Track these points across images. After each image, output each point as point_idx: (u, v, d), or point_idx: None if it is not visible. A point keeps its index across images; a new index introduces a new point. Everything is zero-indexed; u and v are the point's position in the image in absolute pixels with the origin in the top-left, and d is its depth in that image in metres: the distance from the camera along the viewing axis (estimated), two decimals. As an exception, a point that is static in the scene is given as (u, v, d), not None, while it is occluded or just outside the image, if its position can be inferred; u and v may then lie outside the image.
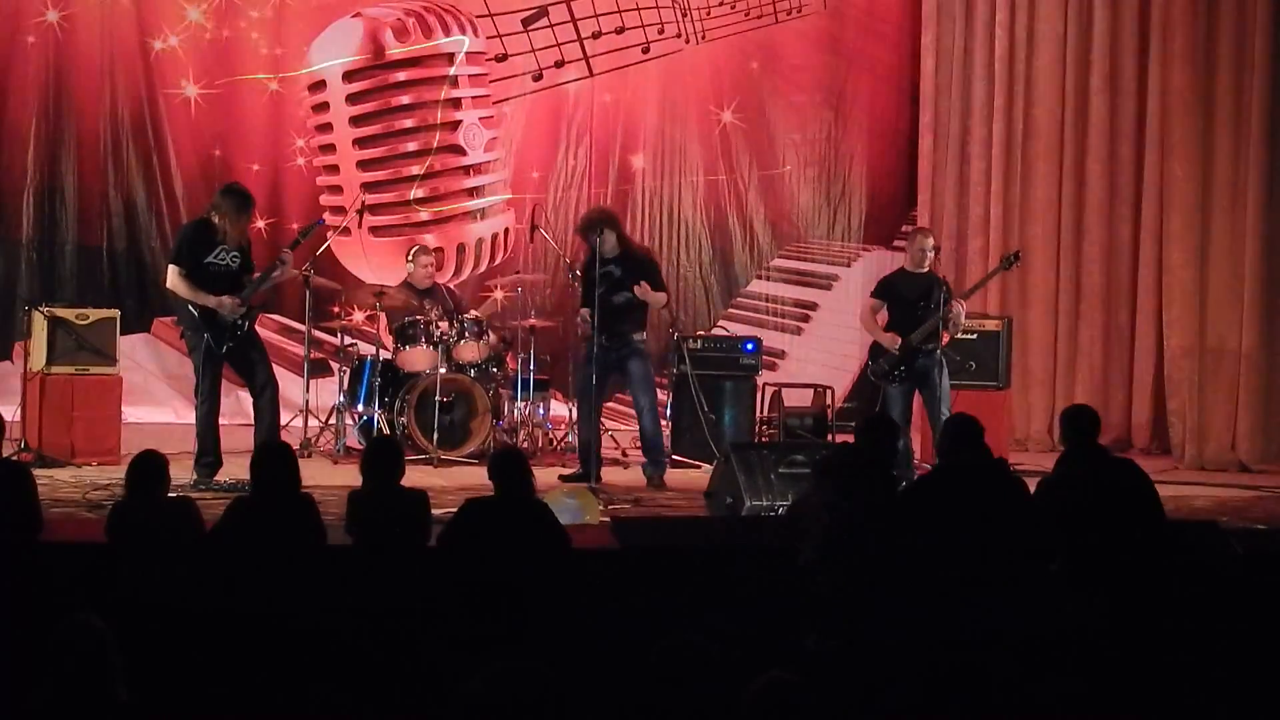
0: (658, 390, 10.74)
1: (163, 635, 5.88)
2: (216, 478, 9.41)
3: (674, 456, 11.12)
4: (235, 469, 9.34)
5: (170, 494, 6.94)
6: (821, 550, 6.36)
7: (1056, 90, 12.70)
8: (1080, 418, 7.52)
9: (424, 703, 5.66)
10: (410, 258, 11.53)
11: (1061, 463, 7.43)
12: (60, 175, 12.59)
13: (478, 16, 13.17)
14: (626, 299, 10.22)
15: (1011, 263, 10.70)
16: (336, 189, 13.02)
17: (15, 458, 9.36)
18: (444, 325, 10.93)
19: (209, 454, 9.48)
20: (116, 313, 10.91)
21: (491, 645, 5.92)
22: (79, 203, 12.64)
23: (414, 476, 7.67)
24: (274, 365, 12.84)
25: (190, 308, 9.45)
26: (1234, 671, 6.19)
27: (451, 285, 12.34)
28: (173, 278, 9.52)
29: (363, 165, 13.05)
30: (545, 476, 9.65)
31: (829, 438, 11.24)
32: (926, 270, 10.23)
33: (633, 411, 10.61)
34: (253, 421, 9.74)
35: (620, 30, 13.28)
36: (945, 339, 10.26)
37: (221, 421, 9.71)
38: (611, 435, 11.47)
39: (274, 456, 6.83)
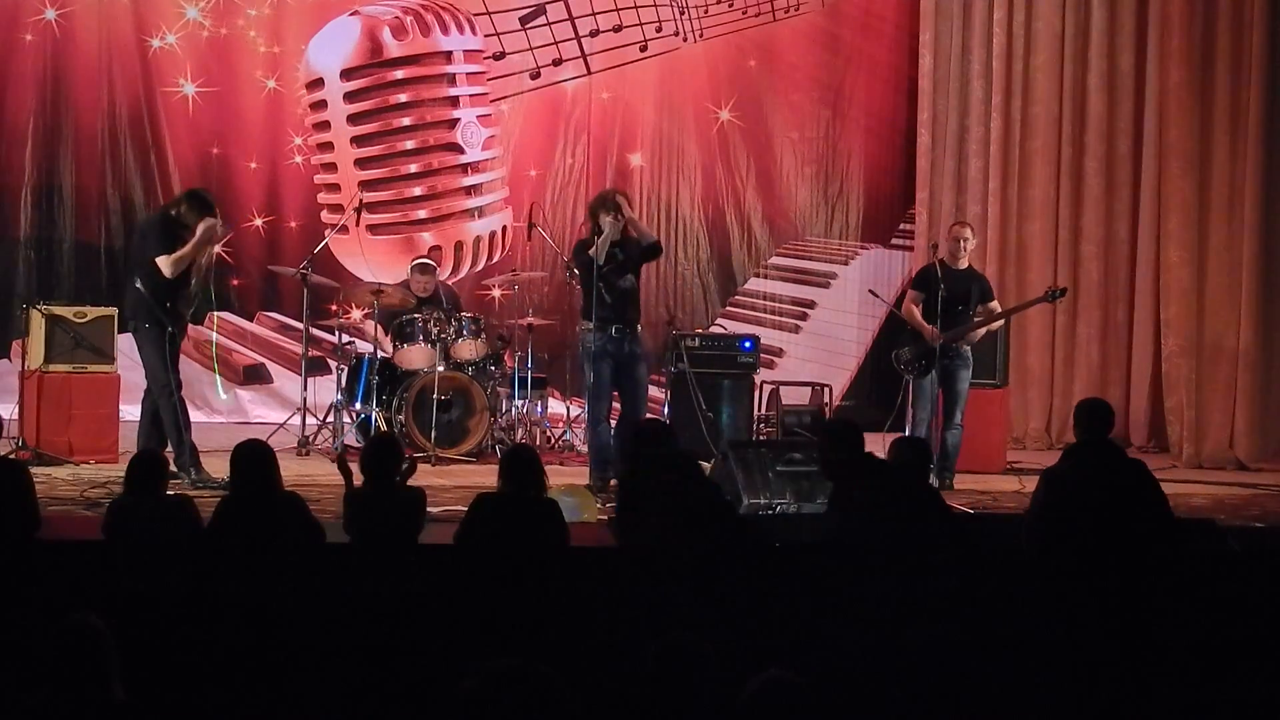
0: (653, 388, 10.71)
1: (160, 634, 5.88)
2: (212, 475, 9.41)
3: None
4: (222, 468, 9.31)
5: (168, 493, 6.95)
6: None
7: (1054, 88, 12.70)
8: (1096, 411, 7.45)
9: (423, 702, 5.66)
10: (409, 270, 11.55)
11: (1069, 455, 7.33)
12: (58, 173, 12.59)
13: (475, 15, 13.17)
14: (631, 283, 10.01)
15: (1056, 296, 10.76)
16: (334, 187, 13.02)
17: (13, 456, 9.36)
18: (442, 324, 10.95)
19: (185, 444, 9.47)
20: (114, 311, 10.88)
21: (502, 643, 5.93)
22: (77, 201, 12.63)
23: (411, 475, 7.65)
24: (273, 363, 12.98)
25: (156, 301, 9.42)
26: (1232, 670, 6.20)
27: (449, 283, 12.35)
28: (168, 265, 9.49)
29: (360, 164, 13.05)
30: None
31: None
32: (967, 266, 10.33)
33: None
34: (172, 415, 9.55)
35: (618, 29, 13.28)
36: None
37: (207, 419, 9.73)
38: None
39: (250, 454, 6.84)
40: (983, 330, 10.58)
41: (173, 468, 9.12)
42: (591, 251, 9.80)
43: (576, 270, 10.12)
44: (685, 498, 6.76)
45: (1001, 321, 10.92)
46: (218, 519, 6.63)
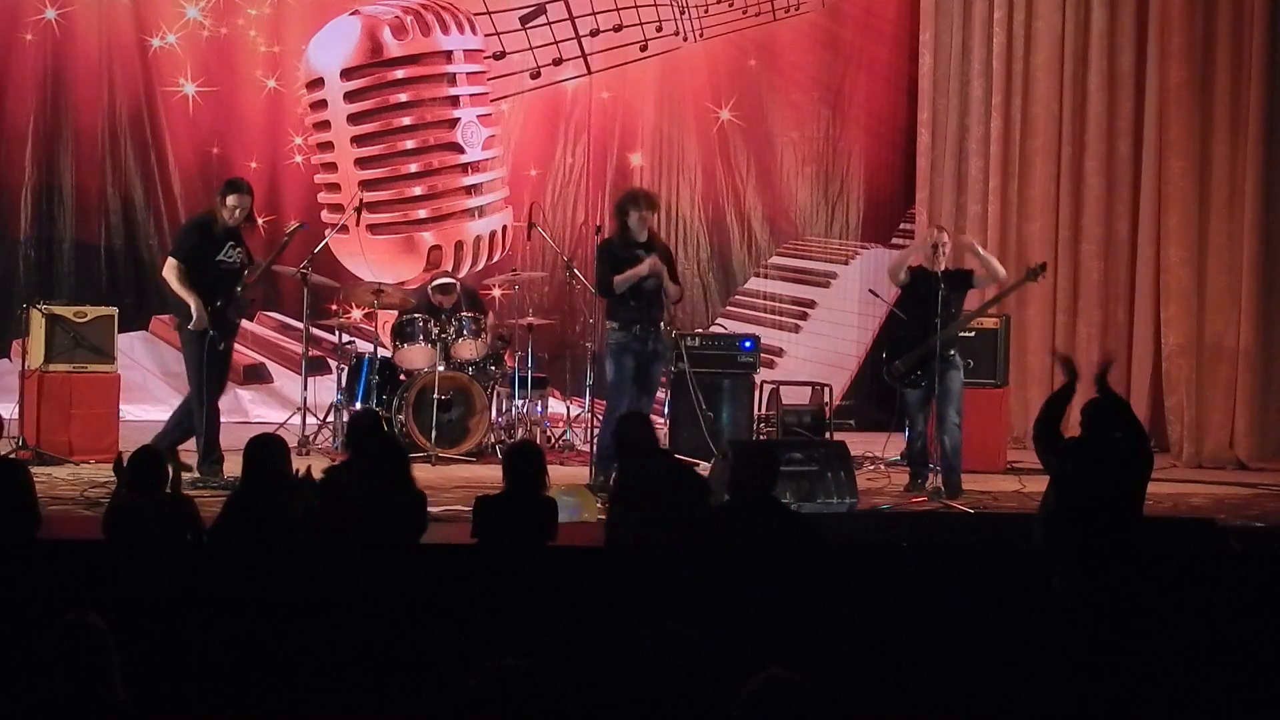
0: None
1: (160, 634, 5.87)
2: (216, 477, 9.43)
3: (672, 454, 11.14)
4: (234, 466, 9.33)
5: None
6: None
7: (1054, 88, 12.70)
8: (1099, 411, 7.43)
9: (423, 701, 5.66)
10: (430, 291, 11.50)
11: (1071, 453, 7.32)
12: (58, 173, 12.61)
13: (476, 14, 13.17)
14: (656, 284, 9.99)
15: (1036, 274, 10.57)
16: (334, 187, 13.03)
17: (13, 455, 9.37)
18: (442, 324, 10.97)
19: (215, 450, 9.53)
20: (114, 310, 10.92)
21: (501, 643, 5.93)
22: (77, 200, 12.65)
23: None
24: (273, 363, 13.00)
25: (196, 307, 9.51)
26: (1232, 670, 6.19)
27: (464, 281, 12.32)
28: (168, 269, 9.57)
29: (360, 163, 13.05)
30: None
31: (826, 435, 11.24)
32: (943, 269, 10.21)
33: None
34: (201, 418, 9.64)
35: (618, 28, 13.28)
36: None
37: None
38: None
39: (256, 448, 6.85)
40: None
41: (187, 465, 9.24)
42: (619, 279, 9.76)
43: (604, 270, 10.06)
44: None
45: (991, 306, 10.82)
46: (225, 513, 6.65)
